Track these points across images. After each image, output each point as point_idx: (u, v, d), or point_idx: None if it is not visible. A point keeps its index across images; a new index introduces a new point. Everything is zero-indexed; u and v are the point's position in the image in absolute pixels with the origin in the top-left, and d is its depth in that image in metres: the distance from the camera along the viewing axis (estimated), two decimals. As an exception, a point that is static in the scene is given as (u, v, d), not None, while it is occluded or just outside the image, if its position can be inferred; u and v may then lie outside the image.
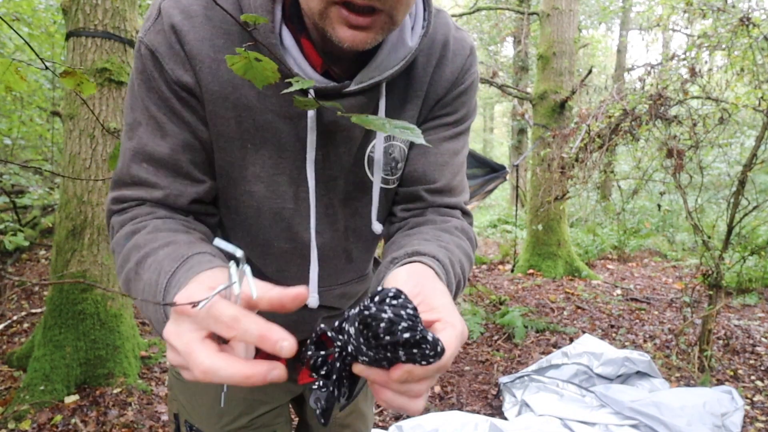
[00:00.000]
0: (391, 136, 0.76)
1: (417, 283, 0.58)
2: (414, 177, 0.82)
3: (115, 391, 2.70)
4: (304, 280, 0.84)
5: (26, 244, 3.74)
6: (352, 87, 0.70)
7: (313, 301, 0.81)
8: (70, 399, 2.60)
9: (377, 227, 0.83)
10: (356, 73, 0.71)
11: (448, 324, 0.52)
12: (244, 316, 0.45)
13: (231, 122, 0.72)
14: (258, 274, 0.85)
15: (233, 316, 0.45)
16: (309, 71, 0.69)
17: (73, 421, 2.47)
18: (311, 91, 0.68)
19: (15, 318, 3.79)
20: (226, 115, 0.71)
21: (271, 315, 0.84)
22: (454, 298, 0.66)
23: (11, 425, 2.39)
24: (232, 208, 0.79)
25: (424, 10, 0.75)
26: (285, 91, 0.59)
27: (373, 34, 0.61)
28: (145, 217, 0.70)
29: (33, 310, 3.98)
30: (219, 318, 0.45)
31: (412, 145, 0.82)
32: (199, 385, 0.92)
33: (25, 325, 3.73)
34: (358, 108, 0.73)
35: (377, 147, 0.77)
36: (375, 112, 0.76)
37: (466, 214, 0.86)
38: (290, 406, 1.05)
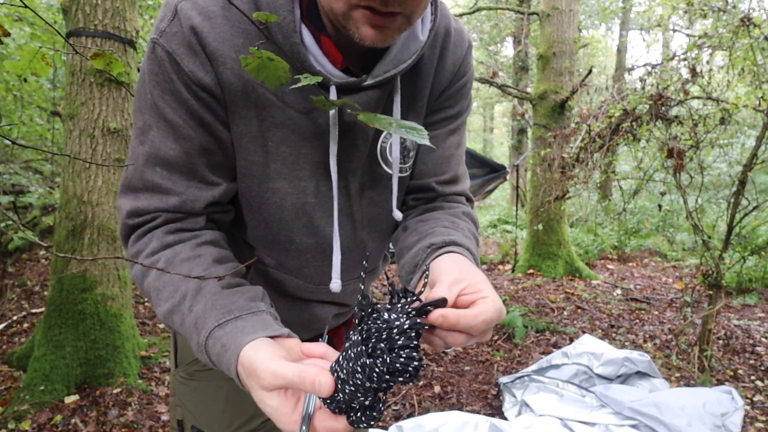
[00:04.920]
0: None
1: (461, 269, 0.67)
2: (424, 171, 0.88)
3: (115, 391, 2.70)
4: (323, 277, 0.85)
5: (35, 238, 3.75)
6: (369, 81, 0.73)
7: (336, 286, 0.82)
8: (70, 399, 2.60)
9: (398, 215, 0.85)
10: (368, 66, 0.74)
11: (489, 299, 0.61)
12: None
13: (253, 121, 0.73)
14: (279, 267, 0.86)
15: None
16: (329, 68, 0.71)
17: (73, 421, 2.47)
18: (333, 87, 0.71)
19: (15, 318, 3.79)
20: (248, 114, 0.72)
21: (286, 314, 0.87)
22: None
23: (11, 425, 2.39)
24: (254, 206, 0.80)
25: (431, 4, 0.76)
26: (298, 84, 0.60)
27: (392, 33, 0.64)
28: (153, 246, 0.71)
29: (33, 310, 3.98)
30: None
31: None
32: (209, 388, 0.92)
33: (25, 325, 3.73)
34: (375, 101, 0.76)
35: (394, 137, 0.80)
36: (390, 104, 0.79)
37: (469, 200, 0.94)
38: None
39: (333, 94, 0.71)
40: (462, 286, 0.63)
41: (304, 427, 0.54)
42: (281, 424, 0.56)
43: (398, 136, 0.80)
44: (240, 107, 0.72)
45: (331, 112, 0.73)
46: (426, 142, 0.57)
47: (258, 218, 0.81)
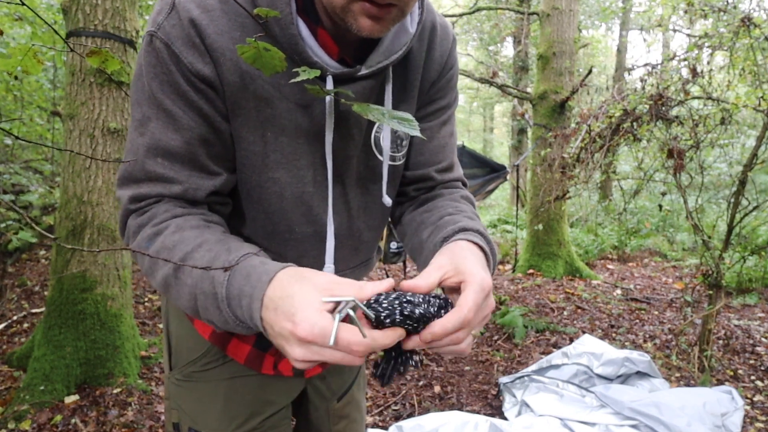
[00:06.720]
0: None
1: (449, 255, 0.70)
2: (422, 161, 0.92)
3: (115, 391, 2.70)
4: (321, 266, 0.87)
5: (35, 240, 3.76)
6: (363, 71, 0.75)
7: (330, 271, 0.84)
8: (70, 399, 2.60)
9: (387, 200, 0.88)
10: (361, 58, 0.77)
11: (468, 283, 0.64)
12: (373, 339, 0.57)
13: (251, 112, 0.74)
14: (278, 258, 0.87)
15: (366, 344, 0.56)
16: (326, 59, 0.73)
17: (73, 421, 2.47)
18: (330, 77, 0.74)
19: (15, 318, 3.79)
20: (247, 105, 0.73)
21: None
22: (492, 254, 0.79)
23: (11, 425, 2.39)
24: (255, 196, 0.81)
25: None
26: (297, 79, 0.61)
27: (387, 24, 0.68)
28: (164, 216, 0.72)
29: (33, 310, 3.98)
30: (353, 348, 0.56)
31: (419, 125, 0.89)
32: (207, 389, 0.92)
33: (25, 325, 3.73)
34: (369, 91, 0.79)
35: (385, 126, 0.83)
36: (382, 94, 0.82)
37: (464, 184, 0.99)
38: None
39: (329, 84, 0.74)
40: (444, 270, 0.66)
41: (338, 316, 0.56)
42: (310, 311, 0.56)
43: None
44: (239, 98, 0.73)
45: (327, 100, 0.75)
46: (417, 133, 0.60)
47: (258, 209, 0.82)
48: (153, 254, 0.69)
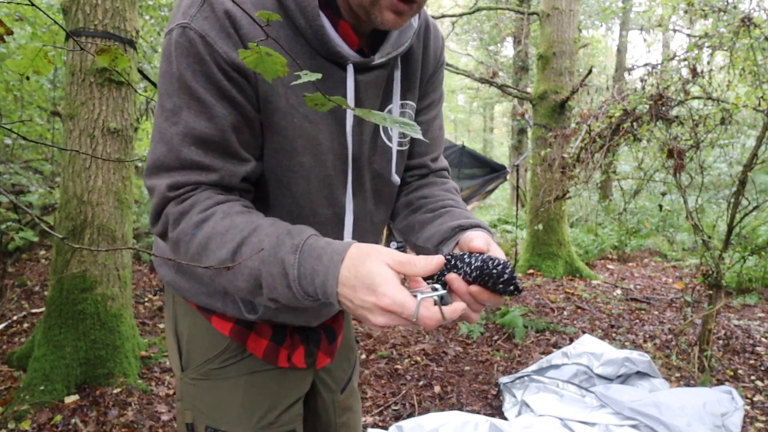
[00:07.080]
0: (405, 103, 0.94)
1: (487, 241, 0.78)
2: (419, 151, 1.02)
3: (115, 391, 2.70)
4: None
5: (36, 239, 3.77)
6: (377, 60, 0.83)
7: None
8: (70, 399, 2.60)
9: (396, 178, 0.95)
10: (370, 47, 0.85)
11: None
12: (445, 317, 0.65)
13: (281, 99, 0.78)
14: None
15: (439, 320, 0.64)
16: (346, 49, 0.80)
17: (73, 421, 2.47)
18: (350, 66, 0.81)
19: (15, 318, 3.79)
20: (277, 92, 0.78)
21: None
22: None
23: (11, 425, 2.39)
24: (284, 181, 0.84)
25: None
26: (299, 81, 0.63)
27: (406, 19, 0.76)
28: (207, 203, 0.74)
29: (33, 310, 3.98)
30: (427, 322, 0.63)
31: (416, 118, 1.00)
32: (226, 386, 0.93)
33: (25, 325, 3.73)
34: (381, 79, 0.87)
35: (394, 111, 0.91)
36: (391, 83, 0.90)
37: (449, 171, 1.10)
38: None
39: (350, 72, 0.81)
40: (489, 249, 0.74)
41: (419, 295, 0.63)
42: (392, 285, 0.63)
43: (397, 108, 0.91)
44: (270, 86, 0.77)
45: (349, 86, 0.81)
46: (419, 135, 0.64)
47: (286, 193, 0.85)
48: (202, 240, 0.72)
